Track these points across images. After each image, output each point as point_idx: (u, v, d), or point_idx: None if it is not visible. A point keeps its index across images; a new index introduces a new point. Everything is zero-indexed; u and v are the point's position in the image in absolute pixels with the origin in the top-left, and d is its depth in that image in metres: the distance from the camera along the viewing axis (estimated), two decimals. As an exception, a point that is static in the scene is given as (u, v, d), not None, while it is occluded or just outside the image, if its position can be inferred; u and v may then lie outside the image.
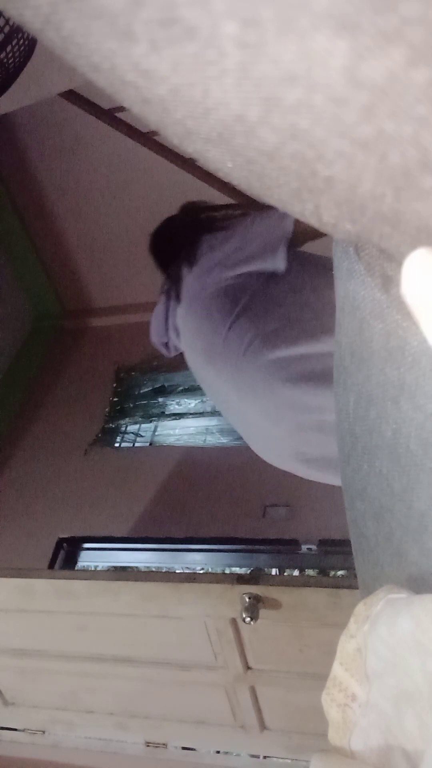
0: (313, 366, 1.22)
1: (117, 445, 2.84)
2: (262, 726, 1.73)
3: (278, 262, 1.30)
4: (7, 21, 1.00)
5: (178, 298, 1.41)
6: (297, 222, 1.29)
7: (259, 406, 1.27)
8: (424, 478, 0.31)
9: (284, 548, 2.23)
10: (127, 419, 2.93)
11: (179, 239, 1.46)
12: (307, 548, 2.17)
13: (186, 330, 1.41)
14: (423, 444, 0.30)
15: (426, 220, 0.19)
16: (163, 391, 3.00)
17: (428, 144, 0.16)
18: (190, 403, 2.91)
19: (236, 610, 1.39)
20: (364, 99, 0.15)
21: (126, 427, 2.91)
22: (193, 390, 2.88)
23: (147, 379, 3.01)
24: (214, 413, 2.73)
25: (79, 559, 2.46)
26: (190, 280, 1.38)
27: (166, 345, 1.51)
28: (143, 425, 2.89)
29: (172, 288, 1.43)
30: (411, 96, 0.15)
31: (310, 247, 1.38)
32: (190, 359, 1.45)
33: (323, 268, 1.39)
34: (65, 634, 1.66)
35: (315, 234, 1.32)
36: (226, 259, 1.34)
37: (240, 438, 1.45)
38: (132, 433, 2.88)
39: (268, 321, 1.28)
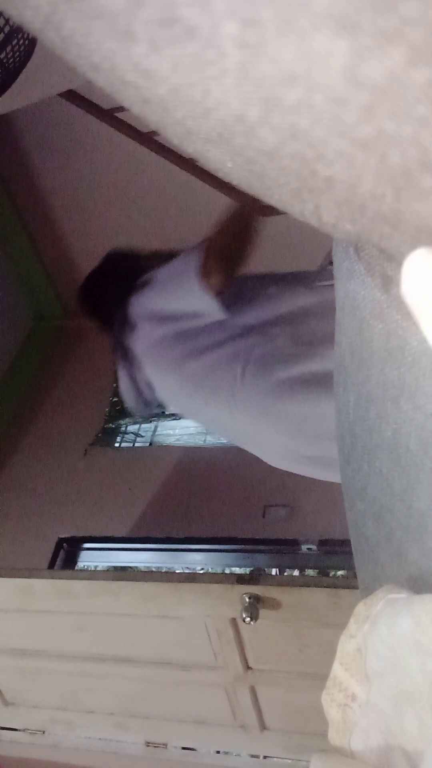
0: (320, 378, 1.23)
1: (117, 445, 2.84)
2: (262, 726, 1.73)
3: (216, 315, 1.29)
4: (7, 21, 1.00)
5: (134, 359, 1.42)
6: (215, 270, 1.27)
7: (274, 426, 1.29)
8: (424, 478, 0.31)
9: (284, 548, 2.23)
10: (127, 419, 2.93)
11: (108, 297, 1.46)
12: (307, 548, 2.17)
13: (164, 381, 1.41)
14: (423, 444, 0.30)
15: (426, 220, 0.19)
16: (163, 391, 2.99)
17: (428, 144, 0.16)
18: (190, 403, 2.91)
19: (236, 610, 1.39)
20: (364, 99, 0.15)
21: (126, 427, 2.91)
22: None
23: (147, 379, 3.01)
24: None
25: (79, 559, 2.46)
26: (141, 341, 1.38)
27: (146, 403, 1.51)
28: (143, 425, 2.89)
29: (125, 353, 1.43)
30: (411, 96, 0.15)
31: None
32: (181, 406, 1.45)
33: (281, 281, 1.40)
34: (65, 634, 1.65)
35: (232, 268, 1.30)
36: (164, 317, 1.34)
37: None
38: (132, 433, 2.88)
39: (250, 347, 1.29)
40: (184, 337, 1.33)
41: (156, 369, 1.39)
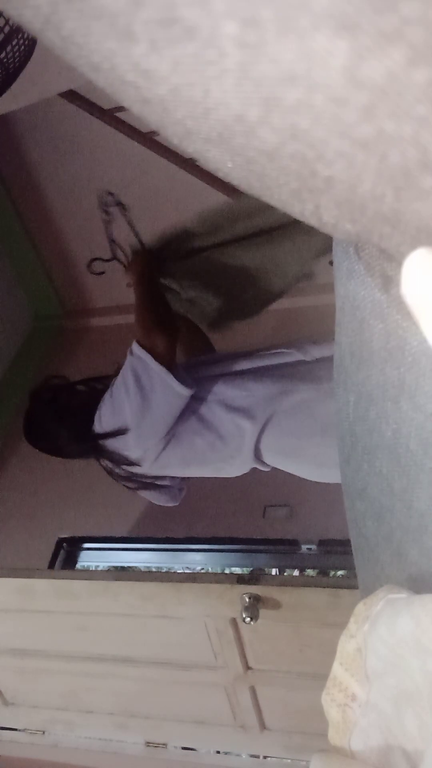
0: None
1: (117, 445, 2.83)
2: (262, 726, 1.73)
3: (176, 396, 1.31)
4: (7, 21, 1.00)
5: (150, 478, 1.46)
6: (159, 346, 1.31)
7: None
8: (424, 478, 0.31)
9: (284, 548, 2.22)
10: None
11: (57, 430, 1.49)
12: (307, 548, 2.17)
13: (189, 471, 1.47)
14: (423, 444, 0.30)
15: (426, 220, 0.19)
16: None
17: (428, 144, 0.16)
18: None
19: (236, 610, 1.39)
20: (364, 99, 0.15)
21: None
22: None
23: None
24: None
25: (79, 559, 2.46)
26: (148, 461, 1.41)
27: (180, 491, 1.58)
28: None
29: (136, 479, 1.47)
30: (411, 96, 0.15)
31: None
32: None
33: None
34: (65, 634, 1.65)
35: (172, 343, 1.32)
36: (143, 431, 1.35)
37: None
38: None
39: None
40: (181, 437, 1.37)
41: (177, 468, 1.45)
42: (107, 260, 1.59)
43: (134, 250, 1.50)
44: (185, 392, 1.30)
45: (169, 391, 1.29)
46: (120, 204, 1.55)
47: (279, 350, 1.41)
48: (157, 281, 1.45)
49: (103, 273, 1.57)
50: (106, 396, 1.38)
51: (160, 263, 1.47)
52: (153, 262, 1.46)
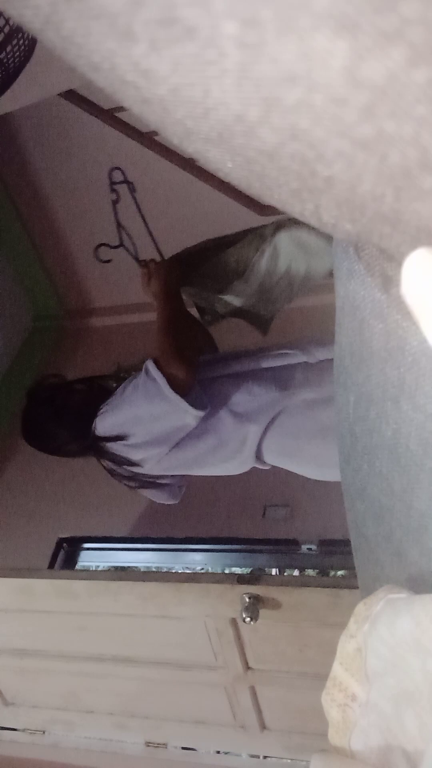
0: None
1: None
2: (262, 726, 1.73)
3: (190, 419, 1.30)
4: (7, 21, 1.00)
5: (151, 477, 1.45)
6: (172, 367, 1.29)
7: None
8: (424, 478, 0.31)
9: (284, 548, 2.22)
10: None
11: (55, 429, 1.49)
12: (307, 548, 2.17)
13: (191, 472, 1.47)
14: (423, 444, 0.30)
15: (426, 220, 0.19)
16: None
17: (428, 144, 0.16)
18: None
19: (236, 610, 1.39)
20: (364, 99, 0.15)
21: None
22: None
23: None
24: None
25: (79, 559, 2.46)
26: (150, 464, 1.40)
27: (180, 488, 1.56)
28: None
29: (136, 479, 1.46)
30: (411, 96, 0.15)
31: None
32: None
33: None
34: (65, 634, 1.65)
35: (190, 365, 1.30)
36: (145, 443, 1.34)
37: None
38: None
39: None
40: (185, 443, 1.37)
41: (179, 470, 1.45)
42: (114, 247, 1.59)
43: (155, 261, 1.48)
44: (199, 414, 1.30)
45: (182, 415, 1.29)
46: (127, 182, 1.54)
47: (283, 351, 1.41)
48: (180, 294, 1.43)
49: (110, 261, 1.57)
50: (110, 402, 1.37)
51: (185, 270, 1.45)
52: (177, 270, 1.44)
